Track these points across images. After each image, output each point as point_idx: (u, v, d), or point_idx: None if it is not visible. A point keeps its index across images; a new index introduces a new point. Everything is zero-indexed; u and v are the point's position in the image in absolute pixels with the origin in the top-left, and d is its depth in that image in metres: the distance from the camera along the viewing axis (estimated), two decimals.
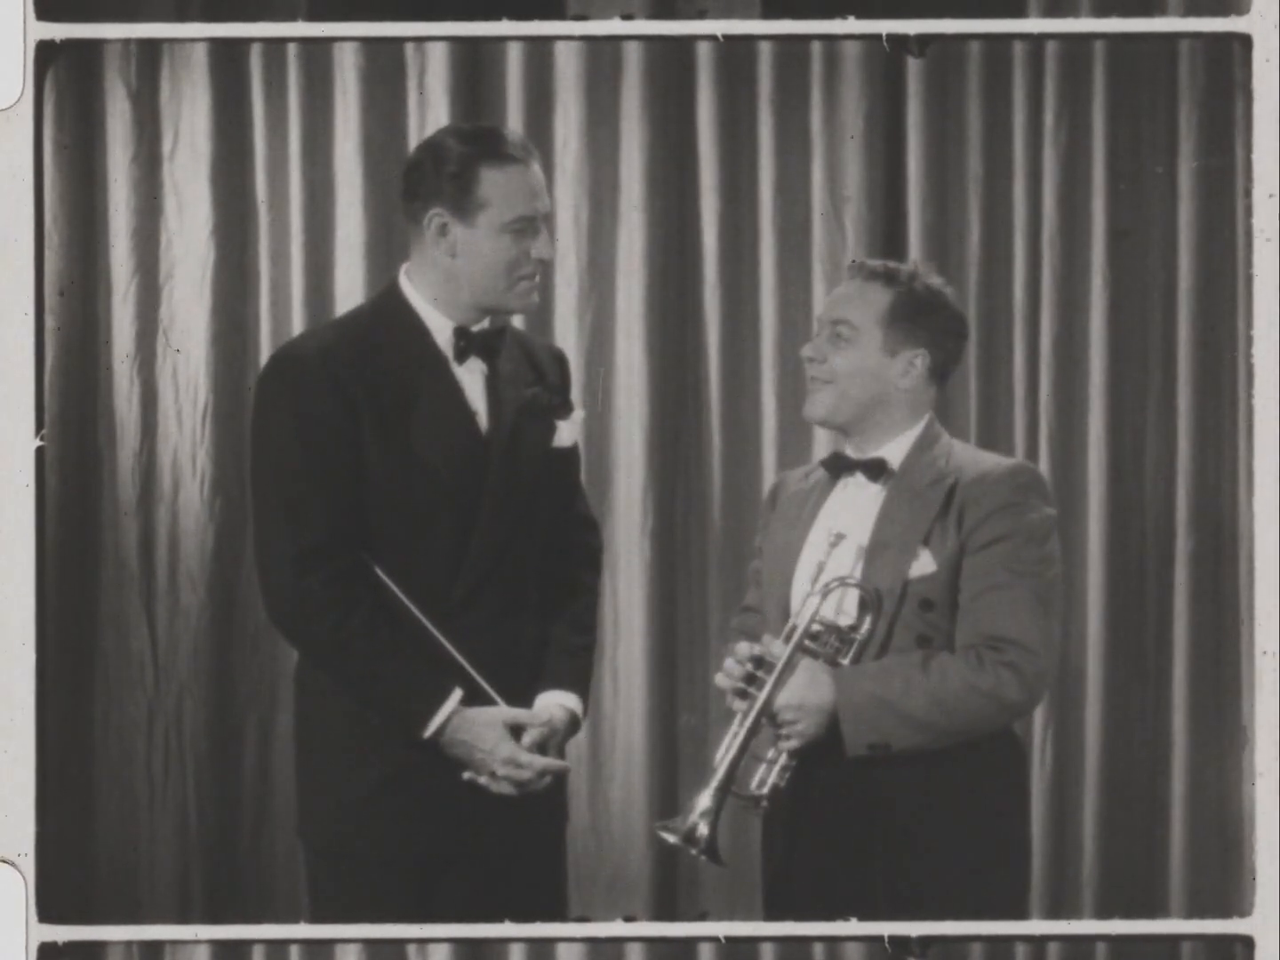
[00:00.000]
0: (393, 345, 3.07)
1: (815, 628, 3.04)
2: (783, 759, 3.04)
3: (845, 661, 3.03)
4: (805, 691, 3.02)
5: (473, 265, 3.05)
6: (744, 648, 3.06)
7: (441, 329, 3.09)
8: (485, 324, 3.10)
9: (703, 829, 2.99)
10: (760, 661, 3.04)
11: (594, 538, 3.28)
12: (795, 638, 3.04)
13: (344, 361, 3.03)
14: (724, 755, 3.02)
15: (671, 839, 3.00)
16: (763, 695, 3.02)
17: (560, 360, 3.26)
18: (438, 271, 3.07)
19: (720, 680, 3.07)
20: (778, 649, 3.04)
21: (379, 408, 3.03)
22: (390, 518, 3.04)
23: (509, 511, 3.09)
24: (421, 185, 3.05)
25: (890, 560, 3.04)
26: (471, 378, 3.10)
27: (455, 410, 3.08)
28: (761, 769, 3.06)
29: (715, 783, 3.01)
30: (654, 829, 3.08)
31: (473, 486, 3.07)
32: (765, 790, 3.05)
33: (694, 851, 2.99)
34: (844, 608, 3.05)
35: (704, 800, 3.00)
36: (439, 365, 3.08)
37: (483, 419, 3.10)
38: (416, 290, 3.09)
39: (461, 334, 3.08)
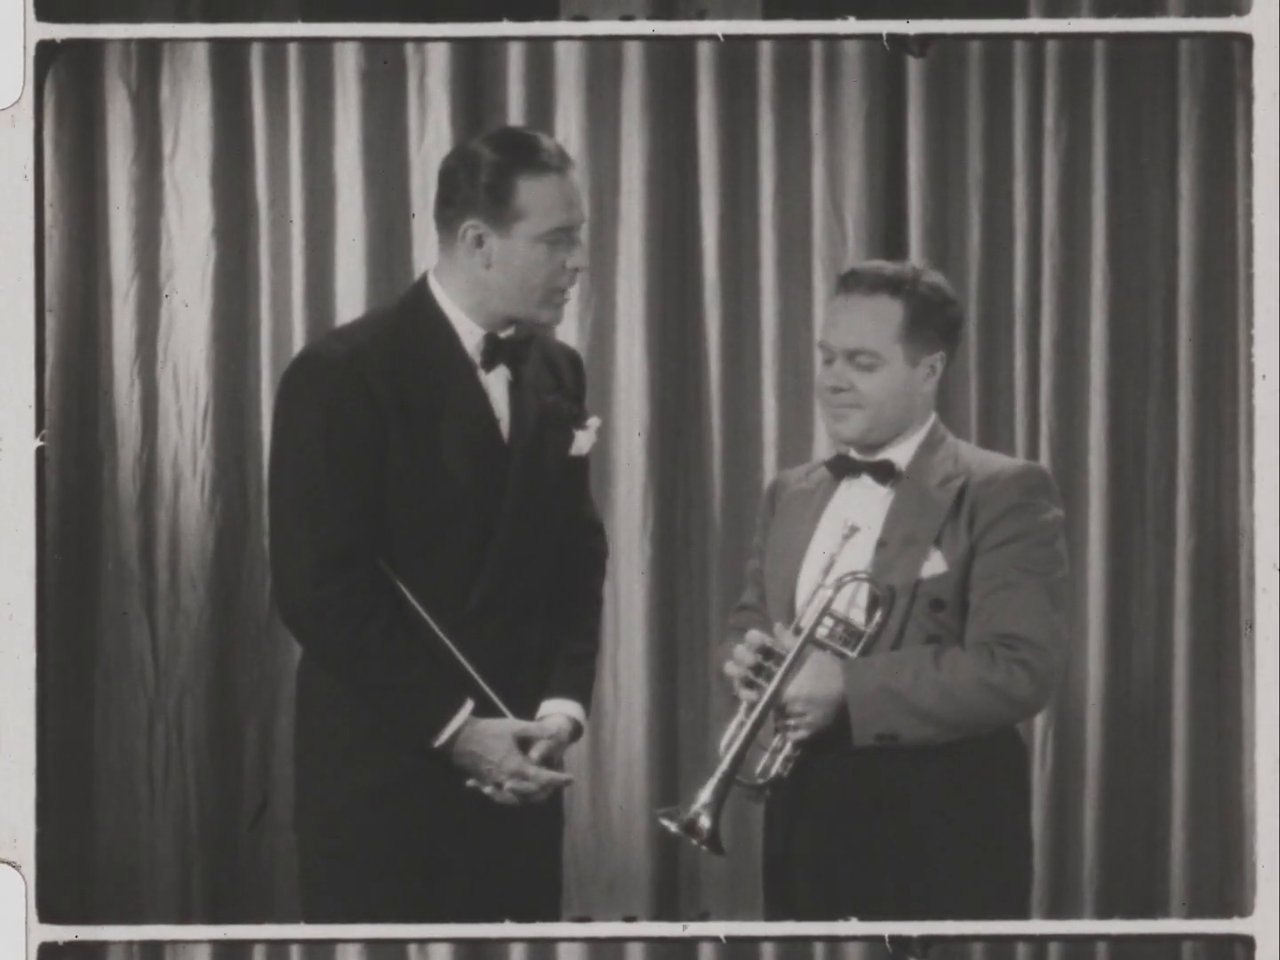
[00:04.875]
0: (421, 350, 3.04)
1: (826, 620, 3.04)
2: (787, 748, 3.04)
3: (852, 655, 3.03)
4: (815, 683, 3.02)
5: (507, 277, 3.02)
6: (755, 636, 3.05)
7: (470, 334, 3.06)
8: (513, 330, 3.07)
9: (705, 820, 2.99)
10: (769, 653, 3.03)
11: (600, 543, 3.27)
12: (807, 630, 3.03)
13: (374, 365, 3.00)
14: (729, 746, 3.02)
15: (673, 828, 3.00)
16: (771, 687, 3.02)
17: (575, 363, 3.23)
18: (470, 280, 3.04)
19: (729, 668, 3.06)
20: (788, 640, 3.04)
21: (406, 414, 3.01)
22: (409, 525, 3.02)
23: (527, 521, 3.07)
24: (456, 194, 3.02)
25: (902, 560, 3.04)
26: (496, 385, 3.08)
27: (480, 418, 3.06)
28: (765, 758, 3.06)
29: (719, 773, 3.00)
30: (655, 815, 3.07)
31: (493, 496, 3.05)
32: (768, 779, 3.05)
33: (695, 842, 2.99)
34: (856, 601, 3.05)
35: (707, 791, 3.00)
36: (466, 371, 3.06)
37: (505, 427, 3.08)
38: (447, 295, 3.06)
39: (491, 340, 3.06)
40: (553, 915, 3.17)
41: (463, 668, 3.02)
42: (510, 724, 3.05)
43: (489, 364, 3.07)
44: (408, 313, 3.09)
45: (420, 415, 3.02)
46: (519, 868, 3.11)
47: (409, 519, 3.02)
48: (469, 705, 3.02)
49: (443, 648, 3.02)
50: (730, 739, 3.02)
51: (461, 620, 3.04)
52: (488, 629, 3.05)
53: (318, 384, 3.01)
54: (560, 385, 3.14)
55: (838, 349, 3.07)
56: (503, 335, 3.07)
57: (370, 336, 3.06)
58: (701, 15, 3.21)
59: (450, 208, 3.03)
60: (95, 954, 3.11)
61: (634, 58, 3.85)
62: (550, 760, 3.06)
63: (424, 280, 3.09)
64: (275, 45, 3.75)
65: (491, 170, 3.00)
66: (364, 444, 3.00)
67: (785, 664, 3.02)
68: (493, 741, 3.02)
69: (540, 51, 3.84)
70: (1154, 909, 3.78)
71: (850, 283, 3.08)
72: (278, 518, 3.06)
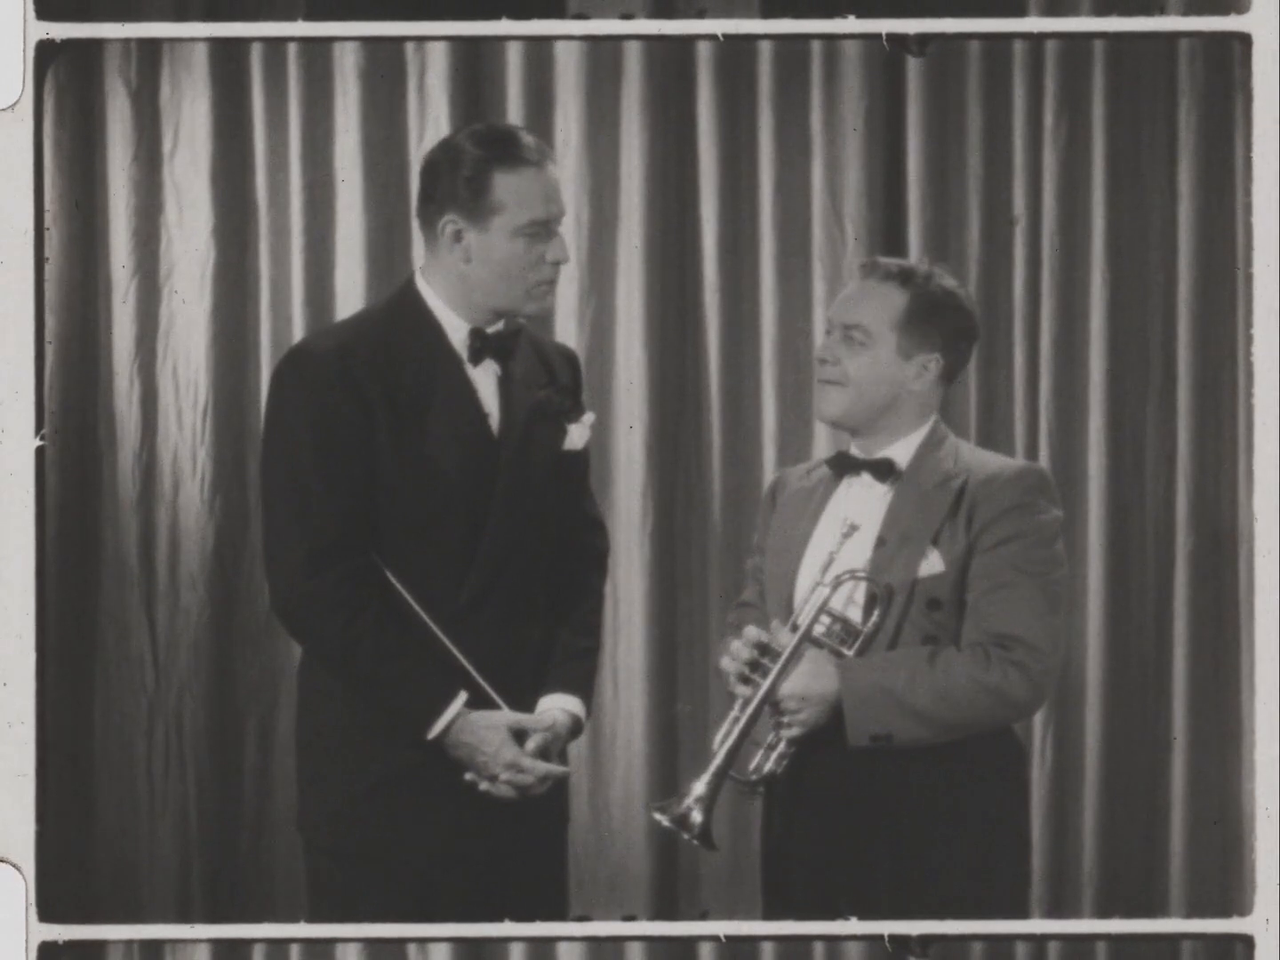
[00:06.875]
0: (409, 346, 3.06)
1: (823, 618, 3.05)
2: (781, 746, 3.05)
3: (849, 654, 3.04)
4: (810, 681, 3.02)
5: (486, 270, 3.04)
6: (751, 632, 3.05)
7: (457, 330, 3.08)
8: (500, 325, 3.09)
9: (697, 815, 2.99)
10: (765, 649, 3.04)
11: (600, 539, 3.27)
12: (803, 627, 3.04)
13: (361, 361, 3.02)
14: (723, 741, 3.03)
15: (665, 821, 3.01)
16: (766, 683, 3.02)
17: (571, 361, 3.24)
18: (452, 275, 3.06)
19: (725, 664, 3.07)
20: (784, 637, 3.04)
21: (394, 408, 3.02)
22: (400, 519, 3.03)
23: (518, 515, 3.08)
24: (436, 189, 3.04)
25: (900, 559, 3.04)
26: (485, 379, 3.09)
27: (468, 412, 3.07)
28: (759, 755, 3.07)
29: (713, 769, 3.01)
30: (648, 809, 3.08)
31: (483, 489, 3.06)
32: (762, 776, 3.06)
33: (686, 836, 3.00)
34: (854, 599, 3.06)
35: (700, 786, 3.00)
36: (454, 366, 3.07)
37: (494, 421, 3.09)
38: (433, 291, 3.08)
39: (477, 335, 3.08)
40: (558, 914, 3.17)
41: (456, 660, 3.03)
42: (505, 716, 3.05)
43: (476, 358, 3.08)
44: (395, 309, 3.11)
45: (409, 409, 3.03)
46: (524, 866, 3.11)
47: (400, 512, 3.03)
48: (462, 697, 3.02)
49: (436, 640, 3.02)
50: (724, 734, 3.03)
51: (455, 613, 3.04)
52: (482, 622, 3.06)
53: (306, 379, 3.03)
54: (553, 381, 3.15)
55: (837, 322, 3.11)
56: (489, 330, 3.08)
57: (358, 333, 3.08)
58: (701, 14, 3.22)
59: (431, 203, 3.06)
60: (95, 953, 3.11)
61: (634, 57, 3.85)
62: (547, 753, 3.06)
63: (411, 277, 3.11)
64: (275, 45, 3.75)
65: (469, 164, 3.02)
66: (352, 438, 3.01)
67: (781, 661, 3.02)
68: (487, 733, 3.03)
69: (540, 50, 3.84)
70: (1154, 908, 3.78)
71: (869, 269, 3.12)
72: (269, 511, 3.07)
